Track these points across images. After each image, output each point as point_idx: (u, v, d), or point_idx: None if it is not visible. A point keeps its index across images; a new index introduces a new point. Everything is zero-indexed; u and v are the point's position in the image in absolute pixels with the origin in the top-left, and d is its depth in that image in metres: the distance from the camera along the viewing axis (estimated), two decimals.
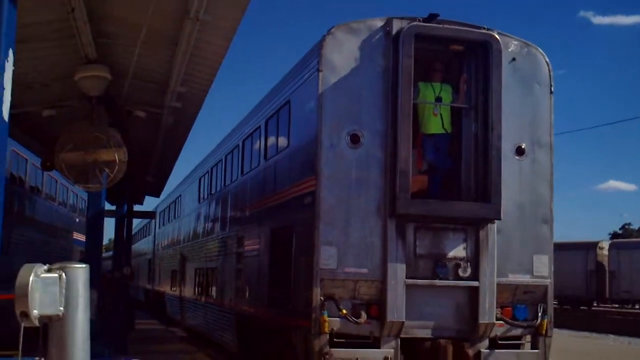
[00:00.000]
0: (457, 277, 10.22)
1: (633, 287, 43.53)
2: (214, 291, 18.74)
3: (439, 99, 10.73)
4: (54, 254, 24.00)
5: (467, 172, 10.57)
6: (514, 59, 10.71)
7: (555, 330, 30.88)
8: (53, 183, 25.21)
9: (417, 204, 10.04)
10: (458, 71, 10.93)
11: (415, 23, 10.19)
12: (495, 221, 10.26)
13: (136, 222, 38.27)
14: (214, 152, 20.64)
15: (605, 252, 46.10)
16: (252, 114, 15.45)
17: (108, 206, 20.51)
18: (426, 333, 10.14)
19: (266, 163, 13.53)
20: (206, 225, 20.92)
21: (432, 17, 10.33)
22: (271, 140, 13.40)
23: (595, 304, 47.71)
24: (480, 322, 10.12)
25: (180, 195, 28.19)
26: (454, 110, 10.85)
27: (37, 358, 7.05)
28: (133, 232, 32.81)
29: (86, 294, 4.79)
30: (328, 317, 9.65)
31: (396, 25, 10.23)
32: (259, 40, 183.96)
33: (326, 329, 9.63)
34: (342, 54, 10.20)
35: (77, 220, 29.64)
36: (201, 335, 21.83)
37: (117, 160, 11.24)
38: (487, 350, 10.23)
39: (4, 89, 5.05)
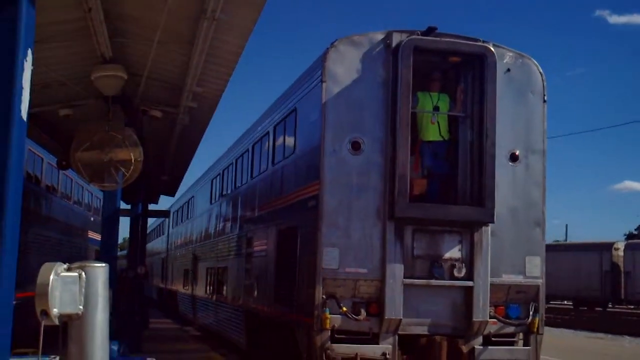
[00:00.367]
0: (453, 277, 10.95)
1: None
2: (224, 290, 19.61)
3: (436, 108, 11.47)
4: (69, 253, 24.28)
5: (463, 177, 11.30)
6: (509, 70, 11.42)
7: (571, 331, 31.19)
8: (68, 182, 25.22)
9: (414, 207, 10.77)
10: (455, 81, 11.66)
11: (413, 36, 10.92)
12: (490, 224, 10.99)
13: (150, 222, 38.87)
14: (226, 155, 21.53)
15: (621, 252, 46.47)
16: (261, 119, 16.26)
17: (123, 205, 20.53)
18: (423, 330, 10.87)
19: (274, 167, 14.33)
20: (217, 225, 21.80)
21: (430, 31, 11.07)
22: (279, 145, 14.20)
23: (610, 305, 48.06)
24: (474, 320, 10.85)
25: (192, 196, 29.12)
26: (451, 118, 11.58)
27: (53, 356, 7.45)
28: (147, 232, 33.29)
29: (105, 293, 4.89)
30: (329, 314, 10.41)
31: (396, 38, 10.97)
32: (274, 40, 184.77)
33: (328, 326, 10.38)
34: (345, 65, 10.96)
35: (92, 219, 29.79)
36: (212, 333, 22.70)
37: (133, 160, 11.45)
38: (481, 347, 10.97)
39: (22, 88, 5.08)
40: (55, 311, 4.54)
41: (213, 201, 23.13)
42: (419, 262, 10.95)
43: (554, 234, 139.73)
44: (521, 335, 11.37)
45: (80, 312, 4.69)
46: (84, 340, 4.75)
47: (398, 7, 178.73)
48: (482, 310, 10.89)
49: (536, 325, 11.17)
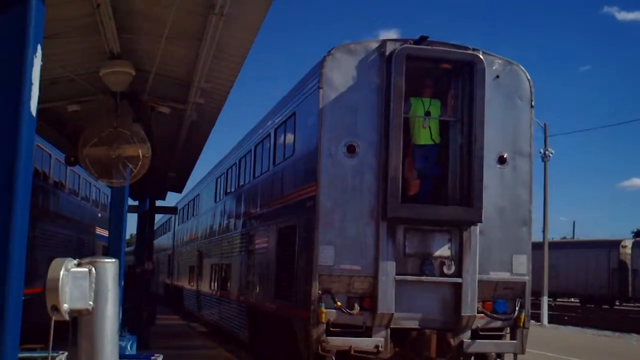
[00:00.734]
0: (442, 274, 11.75)
1: None
2: (227, 285, 20.56)
3: (428, 113, 12.25)
4: (77, 249, 24.81)
5: (453, 179, 12.07)
6: (497, 76, 12.19)
7: (578, 329, 31.53)
8: (76, 178, 25.49)
9: (406, 207, 11.56)
10: (447, 87, 12.42)
11: (406, 45, 11.70)
12: (478, 223, 11.76)
13: (157, 218, 39.52)
14: (230, 155, 22.46)
15: (628, 250, 46.95)
16: (263, 121, 17.13)
17: (130, 201, 20.42)
18: (414, 324, 11.67)
19: (275, 168, 15.19)
20: (221, 223, 22.75)
21: (422, 39, 11.86)
22: (279, 147, 15.05)
23: (617, 303, 48.56)
24: (462, 314, 11.64)
25: (198, 195, 30.11)
26: (442, 122, 12.36)
27: (61, 351, 7.92)
28: (154, 228, 33.80)
29: (115, 289, 4.95)
30: (325, 308, 11.23)
31: (389, 47, 11.75)
32: (281, 37, 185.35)
33: (323, 320, 11.20)
34: (341, 72, 11.76)
35: (100, 215, 30.15)
36: (216, 327, 23.55)
37: (141, 156, 11.50)
38: (469, 340, 11.77)
39: (32, 84, 5.06)
40: (65, 306, 4.61)
41: (218, 199, 24.05)
42: (411, 260, 11.73)
43: (561, 231, 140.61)
44: (508, 330, 12.14)
45: (90, 308, 4.76)
46: (94, 335, 4.82)
47: (412, 4, 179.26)
48: (470, 305, 11.66)
49: (522, 320, 11.94)
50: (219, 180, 24.09)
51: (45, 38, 5.41)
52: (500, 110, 12.17)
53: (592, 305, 46.84)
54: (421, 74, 12.26)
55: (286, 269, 13.21)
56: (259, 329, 16.41)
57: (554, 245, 46.04)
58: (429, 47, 11.88)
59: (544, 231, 36.06)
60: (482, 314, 11.87)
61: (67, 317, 4.64)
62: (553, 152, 35.61)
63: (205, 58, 10.26)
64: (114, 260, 5.02)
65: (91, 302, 4.76)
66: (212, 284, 23.67)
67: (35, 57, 5.11)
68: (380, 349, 11.35)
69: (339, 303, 11.32)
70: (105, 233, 24.15)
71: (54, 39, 9.12)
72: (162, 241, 44.39)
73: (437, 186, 12.36)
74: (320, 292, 11.30)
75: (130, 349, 12.68)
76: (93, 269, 4.80)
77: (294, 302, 12.51)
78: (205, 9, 8.64)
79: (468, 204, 11.68)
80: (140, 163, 11.46)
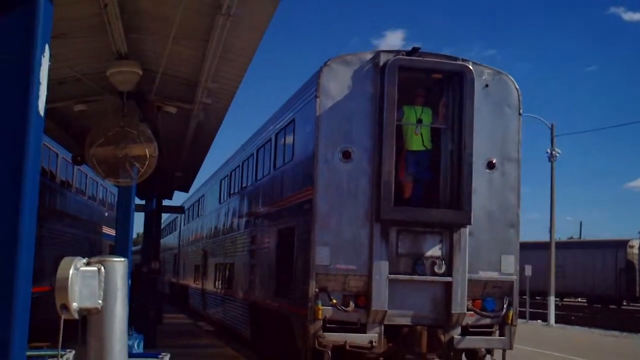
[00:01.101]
0: (433, 274, 12.61)
1: None
2: (231, 284, 21.51)
3: (420, 121, 13.12)
4: (84, 248, 25.19)
5: (444, 183, 12.94)
6: (487, 86, 13.03)
7: (585, 329, 31.94)
8: (83, 177, 25.88)
9: (398, 210, 12.42)
10: (438, 95, 13.27)
11: (399, 56, 12.56)
12: (467, 225, 12.61)
13: (163, 218, 40.12)
14: (233, 157, 23.45)
15: (636, 250, 47.44)
16: (265, 126, 18.06)
17: (137, 200, 20.72)
18: (406, 321, 12.52)
19: (275, 171, 16.10)
20: (225, 224, 23.70)
21: (414, 51, 12.71)
22: (279, 152, 15.96)
23: (624, 303, 49.03)
24: (453, 312, 12.49)
25: (203, 195, 31.08)
26: (434, 129, 13.22)
27: (68, 350, 8.36)
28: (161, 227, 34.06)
29: (124, 288, 4.99)
30: (322, 306, 12.07)
31: (383, 58, 12.61)
32: (287, 37, 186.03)
33: (320, 316, 12.04)
34: (337, 82, 12.62)
35: (107, 214, 30.61)
36: (220, 325, 24.47)
37: (148, 155, 11.62)
38: (459, 337, 12.63)
39: (40, 83, 5.07)
40: (74, 305, 4.66)
41: (222, 200, 25.00)
42: (403, 260, 12.59)
43: (567, 231, 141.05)
44: (497, 327, 12.97)
45: (99, 306, 4.82)
46: (103, 334, 4.89)
47: (418, 4, 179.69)
48: (460, 303, 12.51)
49: (510, 317, 12.78)
50: (223, 181, 25.09)
51: (53, 38, 5.42)
52: (489, 118, 13.00)
53: (599, 305, 47.32)
54: (413, 83, 13.10)
55: (285, 268, 14.10)
56: (260, 326, 17.34)
57: (561, 245, 46.65)
58: (421, 59, 12.71)
59: (550, 231, 36.56)
60: (472, 312, 12.69)
61: (76, 316, 4.71)
62: (560, 152, 36.09)
63: (212, 58, 10.44)
64: (123, 259, 5.10)
65: (100, 301, 4.82)
66: (216, 282, 24.69)
67: (43, 56, 5.12)
68: (374, 344, 12.17)
69: (334, 301, 12.15)
70: (112, 232, 24.88)
71: (61, 38, 9.25)
72: (168, 240, 45.24)
73: (429, 190, 13.20)
74: (317, 290, 12.12)
75: (137, 348, 12.94)
76: (102, 268, 4.87)
77: (293, 299, 13.39)
78: (212, 9, 8.80)
79: (458, 207, 12.51)
80: (147, 162, 11.59)
